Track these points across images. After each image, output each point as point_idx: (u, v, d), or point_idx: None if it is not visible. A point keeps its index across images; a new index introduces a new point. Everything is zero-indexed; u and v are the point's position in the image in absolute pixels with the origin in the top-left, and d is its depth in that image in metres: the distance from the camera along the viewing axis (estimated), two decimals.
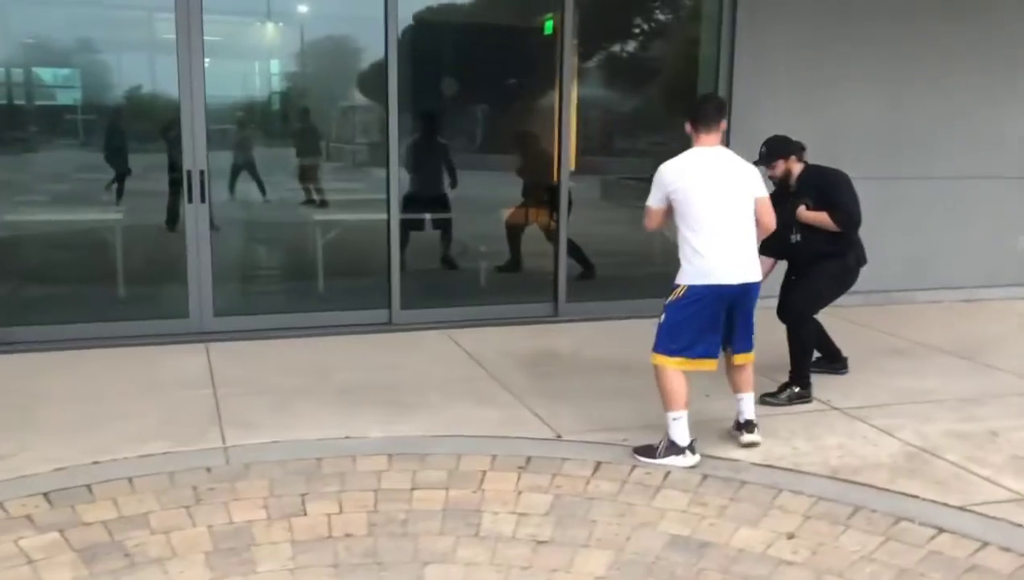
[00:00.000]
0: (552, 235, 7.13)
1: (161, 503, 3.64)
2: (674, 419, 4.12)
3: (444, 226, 7.33)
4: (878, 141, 7.50)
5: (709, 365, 4.17)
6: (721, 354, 4.26)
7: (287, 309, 6.63)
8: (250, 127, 6.91)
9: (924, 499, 3.81)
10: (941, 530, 3.51)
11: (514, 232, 7.51)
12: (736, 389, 4.38)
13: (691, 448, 4.13)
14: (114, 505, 3.61)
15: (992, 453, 4.38)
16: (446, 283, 7.40)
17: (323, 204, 7.13)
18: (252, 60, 6.97)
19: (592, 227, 7.88)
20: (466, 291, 7.36)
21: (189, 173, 6.14)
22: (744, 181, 4.15)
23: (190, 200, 6.18)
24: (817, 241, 5.06)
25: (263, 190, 6.92)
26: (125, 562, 3.18)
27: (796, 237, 5.11)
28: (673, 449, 4.12)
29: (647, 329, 6.72)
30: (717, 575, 3.17)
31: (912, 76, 7.52)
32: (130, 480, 3.84)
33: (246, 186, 6.87)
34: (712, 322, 4.14)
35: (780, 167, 5.13)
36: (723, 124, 4.22)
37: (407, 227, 6.84)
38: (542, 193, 7.25)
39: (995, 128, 7.83)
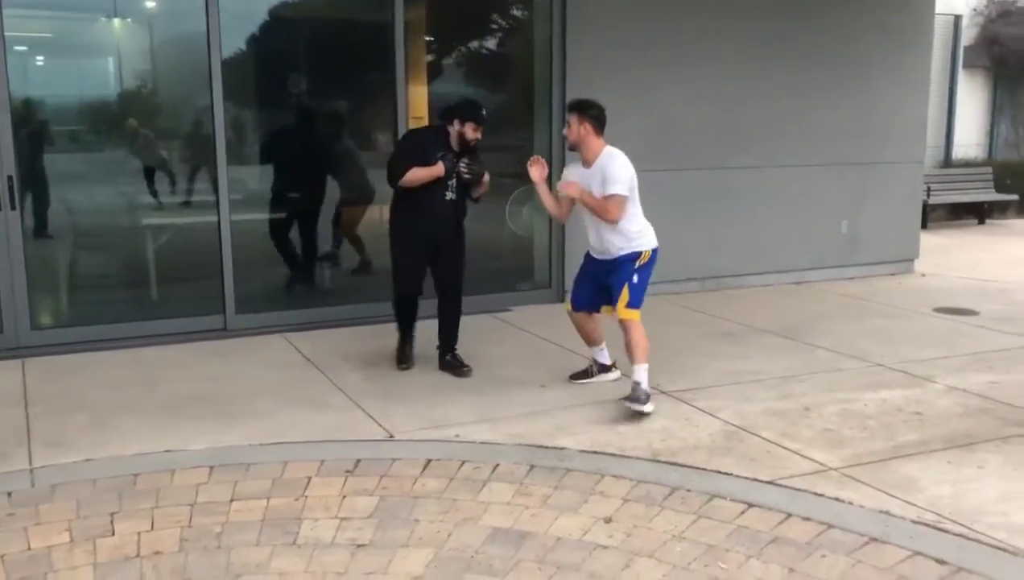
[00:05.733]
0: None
1: None
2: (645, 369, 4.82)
3: (282, 225, 7.10)
4: (710, 132, 7.78)
5: None
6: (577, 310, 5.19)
7: (114, 319, 6.28)
8: (69, 128, 6.51)
9: (737, 476, 3.98)
10: (750, 505, 3.66)
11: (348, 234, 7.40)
12: (598, 341, 5.26)
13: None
14: None
15: (804, 428, 4.61)
16: (286, 285, 7.18)
17: (152, 207, 6.79)
18: (66, 57, 6.58)
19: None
20: (308, 293, 7.19)
21: None
22: None
23: None
24: (465, 210, 5.48)
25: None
26: None
27: (451, 195, 5.35)
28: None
29: (491, 323, 6.72)
30: (533, 565, 3.21)
31: (740, 69, 7.83)
32: None
33: (70, 191, 6.50)
34: None
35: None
36: None
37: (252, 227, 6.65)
38: (357, 192, 7.20)
39: (817, 118, 8.25)
